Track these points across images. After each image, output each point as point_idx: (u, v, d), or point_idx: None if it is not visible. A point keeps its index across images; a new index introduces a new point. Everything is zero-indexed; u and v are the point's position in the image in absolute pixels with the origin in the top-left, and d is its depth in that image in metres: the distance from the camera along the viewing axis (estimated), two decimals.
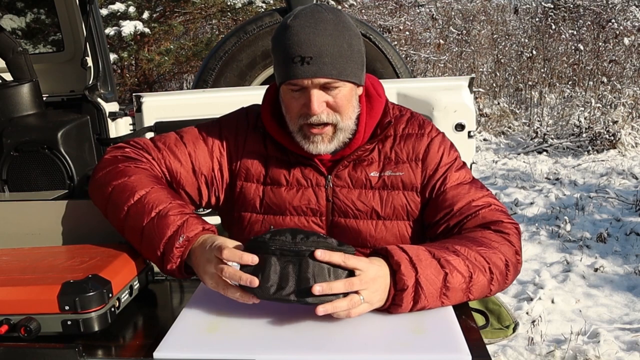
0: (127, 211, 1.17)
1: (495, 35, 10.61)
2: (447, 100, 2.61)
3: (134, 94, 2.74)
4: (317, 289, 0.96)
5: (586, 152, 6.41)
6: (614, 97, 7.50)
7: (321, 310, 0.96)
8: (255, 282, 0.98)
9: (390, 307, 1.03)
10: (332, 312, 0.97)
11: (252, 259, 0.99)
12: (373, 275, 1.01)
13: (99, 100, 3.12)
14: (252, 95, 2.64)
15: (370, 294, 1.00)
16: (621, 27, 9.12)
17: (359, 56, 1.26)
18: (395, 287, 1.02)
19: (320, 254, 0.97)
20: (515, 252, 1.19)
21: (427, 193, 1.33)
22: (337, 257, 0.99)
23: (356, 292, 0.99)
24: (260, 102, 1.43)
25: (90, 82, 3.17)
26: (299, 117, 1.26)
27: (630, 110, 7.11)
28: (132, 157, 1.31)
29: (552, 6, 10.32)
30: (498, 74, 9.41)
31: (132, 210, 1.17)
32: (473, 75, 3.10)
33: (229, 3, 7.93)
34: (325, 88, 1.22)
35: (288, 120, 1.30)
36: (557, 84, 8.65)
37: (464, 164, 1.38)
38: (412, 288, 1.02)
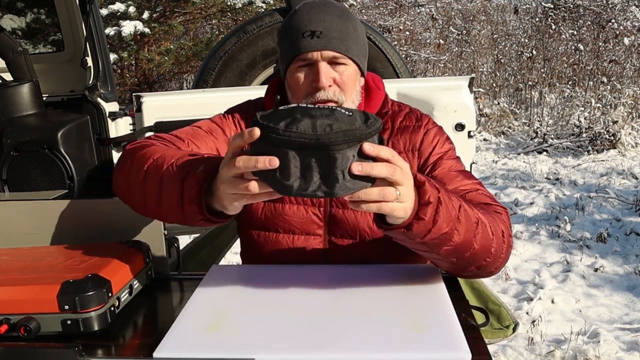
0: (147, 170, 1.10)
1: (495, 35, 10.62)
2: (447, 100, 2.62)
3: (134, 94, 2.75)
4: (358, 167, 0.86)
5: (586, 152, 6.41)
6: (614, 97, 7.51)
7: (350, 197, 0.88)
8: (275, 161, 0.85)
9: (413, 221, 0.97)
10: (363, 200, 0.89)
11: (271, 161, 0.85)
12: (411, 174, 0.95)
13: (99, 100, 3.12)
14: (252, 95, 2.64)
15: (407, 192, 0.93)
16: (621, 27, 9.12)
17: (363, 44, 1.31)
18: (420, 201, 0.98)
19: (368, 147, 0.87)
20: (509, 234, 1.18)
21: None
22: (386, 152, 0.89)
23: (391, 185, 0.91)
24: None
25: (90, 82, 3.17)
26: (306, 96, 1.28)
27: (630, 110, 7.11)
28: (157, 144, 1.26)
29: (552, 6, 10.33)
30: (498, 74, 9.41)
31: (151, 167, 1.10)
32: (473, 75, 3.10)
33: (229, 3, 7.93)
34: (332, 64, 1.26)
35: (294, 103, 1.31)
36: (557, 84, 8.65)
37: (458, 157, 1.39)
38: (435, 203, 0.98)
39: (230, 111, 1.44)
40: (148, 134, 2.72)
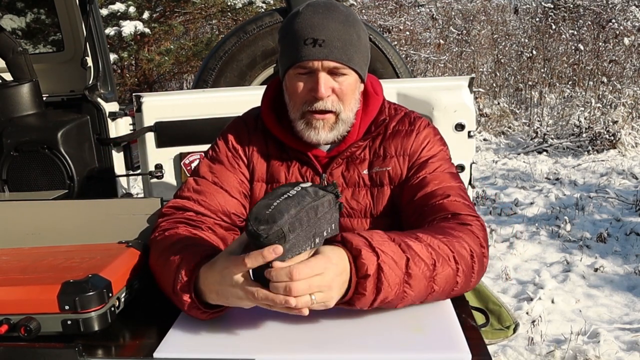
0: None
1: (495, 35, 10.61)
2: (447, 100, 2.61)
3: (134, 94, 2.74)
4: (271, 273, 0.89)
5: (586, 152, 6.41)
6: (614, 97, 7.50)
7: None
8: (280, 249, 0.89)
9: (354, 297, 0.95)
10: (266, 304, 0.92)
11: (275, 250, 0.88)
12: (331, 277, 0.91)
13: (99, 100, 3.12)
14: (252, 95, 2.64)
15: (325, 297, 0.92)
16: (621, 27, 9.11)
17: (365, 51, 1.29)
18: (358, 274, 0.94)
19: (268, 274, 0.89)
20: (480, 245, 1.13)
21: (403, 183, 1.33)
22: (282, 276, 0.88)
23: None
24: (258, 103, 1.45)
25: (90, 82, 3.17)
26: (304, 104, 1.27)
27: (630, 110, 7.11)
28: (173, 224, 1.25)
29: (552, 6, 10.32)
30: (498, 74, 9.41)
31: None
32: (473, 75, 3.10)
33: (229, 3, 7.93)
34: (332, 74, 1.24)
35: (291, 107, 1.30)
36: (557, 84, 8.65)
37: (448, 159, 1.37)
38: (374, 274, 0.94)
39: (222, 138, 1.42)
40: (150, 137, 2.71)
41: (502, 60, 9.61)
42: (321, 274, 0.90)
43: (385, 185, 1.34)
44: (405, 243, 1.00)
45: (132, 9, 7.51)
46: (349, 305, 0.96)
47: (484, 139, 7.38)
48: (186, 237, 1.17)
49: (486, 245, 1.15)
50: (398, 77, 3.29)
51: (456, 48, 10.11)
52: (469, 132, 2.64)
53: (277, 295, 0.89)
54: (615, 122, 6.58)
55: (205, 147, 2.68)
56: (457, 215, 1.18)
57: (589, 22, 9.66)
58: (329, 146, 1.36)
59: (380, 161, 1.34)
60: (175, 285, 1.02)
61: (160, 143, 2.72)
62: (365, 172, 1.35)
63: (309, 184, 1.00)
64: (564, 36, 9.47)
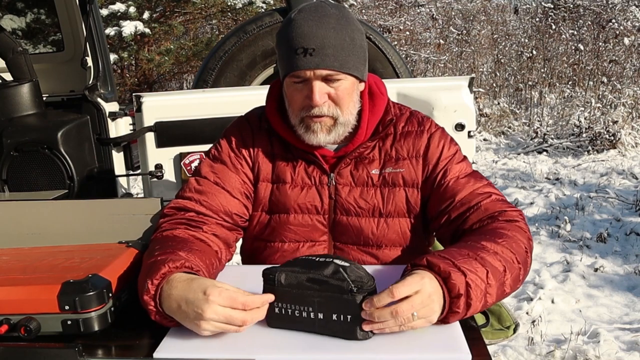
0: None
1: (495, 35, 10.62)
2: (447, 100, 2.62)
3: (134, 94, 2.75)
4: (367, 311, 0.93)
5: (586, 152, 6.41)
6: (614, 97, 7.51)
7: (368, 327, 0.94)
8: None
9: (448, 315, 0.99)
10: (380, 330, 0.95)
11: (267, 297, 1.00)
12: (429, 292, 0.96)
13: (99, 100, 3.12)
14: (252, 95, 2.64)
15: (427, 311, 0.96)
16: (621, 27, 9.11)
17: (361, 51, 1.28)
18: (450, 295, 0.98)
19: (368, 307, 0.93)
20: (528, 238, 1.19)
21: (429, 187, 1.34)
22: (385, 298, 0.94)
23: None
24: (259, 103, 1.45)
25: (90, 82, 3.17)
26: (301, 110, 1.27)
27: (630, 110, 7.11)
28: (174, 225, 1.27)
29: (552, 6, 10.32)
30: (498, 74, 9.41)
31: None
32: (473, 75, 3.11)
33: (229, 3, 7.93)
34: (327, 80, 1.24)
35: (290, 113, 1.31)
36: (557, 84, 8.65)
37: (465, 157, 1.39)
38: (465, 292, 0.99)
39: (224, 138, 1.42)
40: (149, 137, 2.71)
41: (502, 60, 9.61)
42: (419, 291, 0.95)
43: (398, 187, 1.34)
44: (479, 256, 1.05)
45: (132, 9, 7.51)
46: (443, 322, 1.01)
47: (484, 139, 7.38)
48: (170, 243, 1.15)
49: (531, 235, 1.22)
50: (398, 77, 3.29)
51: (456, 48, 10.11)
52: (469, 132, 2.65)
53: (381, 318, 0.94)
54: (615, 122, 6.58)
55: (205, 147, 2.70)
56: (502, 213, 1.23)
57: (589, 22, 9.66)
58: (336, 146, 1.36)
59: (392, 162, 1.35)
60: (142, 294, 1.03)
61: (160, 143, 2.72)
62: (375, 171, 1.35)
63: (345, 264, 0.98)
64: (564, 36, 9.47)
